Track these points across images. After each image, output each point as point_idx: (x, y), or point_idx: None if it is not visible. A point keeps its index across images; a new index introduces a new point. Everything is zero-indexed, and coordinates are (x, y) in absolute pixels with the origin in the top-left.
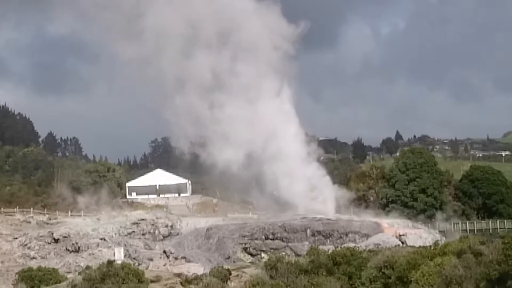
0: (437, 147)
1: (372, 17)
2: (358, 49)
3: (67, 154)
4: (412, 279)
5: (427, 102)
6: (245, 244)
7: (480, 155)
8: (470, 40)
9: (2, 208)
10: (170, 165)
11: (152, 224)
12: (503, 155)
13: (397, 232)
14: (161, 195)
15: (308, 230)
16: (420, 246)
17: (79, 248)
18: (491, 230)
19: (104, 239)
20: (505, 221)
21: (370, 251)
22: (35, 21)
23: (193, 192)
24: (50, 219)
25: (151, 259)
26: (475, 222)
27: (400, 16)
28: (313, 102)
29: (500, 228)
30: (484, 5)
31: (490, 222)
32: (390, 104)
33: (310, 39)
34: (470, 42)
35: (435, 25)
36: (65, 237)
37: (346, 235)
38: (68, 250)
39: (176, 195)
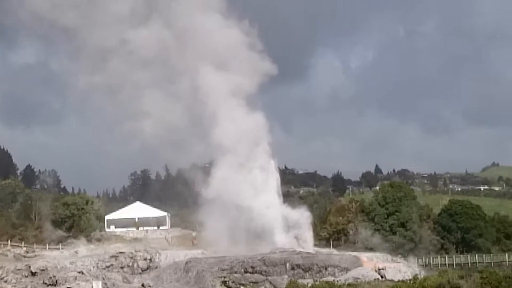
0: (416, 181)
1: (341, 50)
2: (328, 82)
3: (46, 186)
4: None
5: (400, 135)
6: (224, 277)
7: (459, 189)
8: (438, 72)
9: None
10: (149, 198)
11: (131, 257)
12: (482, 189)
13: (377, 266)
14: (140, 228)
15: (288, 264)
16: (399, 280)
17: (56, 281)
18: (469, 264)
19: (82, 273)
20: (484, 255)
21: (349, 285)
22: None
23: (173, 225)
24: (27, 252)
25: None
26: (454, 256)
27: (370, 49)
28: (286, 135)
29: (478, 263)
30: (451, 38)
31: (469, 256)
32: (362, 138)
33: (280, 72)
34: (439, 75)
35: (403, 57)
36: (42, 270)
37: (326, 268)
38: (46, 283)
39: (156, 228)
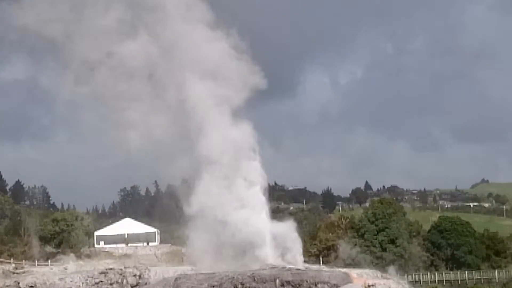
0: (406, 197)
1: (330, 66)
2: (317, 98)
3: (35, 202)
4: None
5: (389, 152)
6: None
7: (449, 205)
8: (427, 90)
9: None
10: (138, 214)
11: (120, 274)
12: (471, 206)
13: (366, 283)
14: (129, 244)
15: (278, 280)
16: None
17: None
18: (459, 281)
19: None
20: (473, 272)
21: None
22: None
23: (162, 241)
24: (16, 268)
25: None
26: (443, 273)
27: (358, 66)
28: (276, 152)
29: (468, 279)
30: (439, 55)
31: (458, 273)
32: (352, 154)
33: (269, 88)
34: (427, 92)
35: (392, 74)
36: (31, 286)
37: (315, 285)
38: None
39: (145, 244)
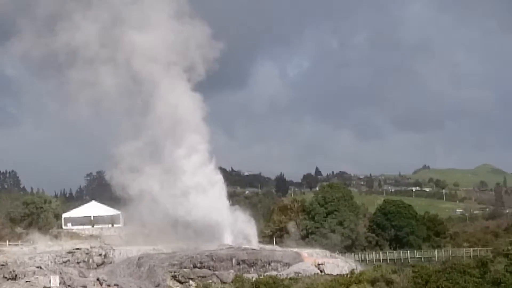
0: (354, 182)
1: (279, 59)
2: (268, 89)
3: (6, 186)
4: None
5: (336, 139)
6: (174, 272)
7: (393, 190)
8: (368, 82)
9: None
10: (104, 197)
11: (87, 253)
12: (413, 190)
13: (316, 261)
14: (95, 226)
15: (234, 259)
16: (337, 275)
17: (16, 275)
18: (402, 260)
19: (40, 267)
20: (415, 251)
21: (291, 279)
22: None
23: (126, 223)
24: None
25: (85, 286)
26: (387, 252)
27: (305, 58)
28: (230, 139)
29: (410, 258)
30: (380, 50)
31: (401, 252)
32: (302, 141)
33: (221, 80)
34: (368, 84)
35: (337, 67)
36: (2, 265)
37: (269, 264)
38: (6, 277)
39: (110, 225)
